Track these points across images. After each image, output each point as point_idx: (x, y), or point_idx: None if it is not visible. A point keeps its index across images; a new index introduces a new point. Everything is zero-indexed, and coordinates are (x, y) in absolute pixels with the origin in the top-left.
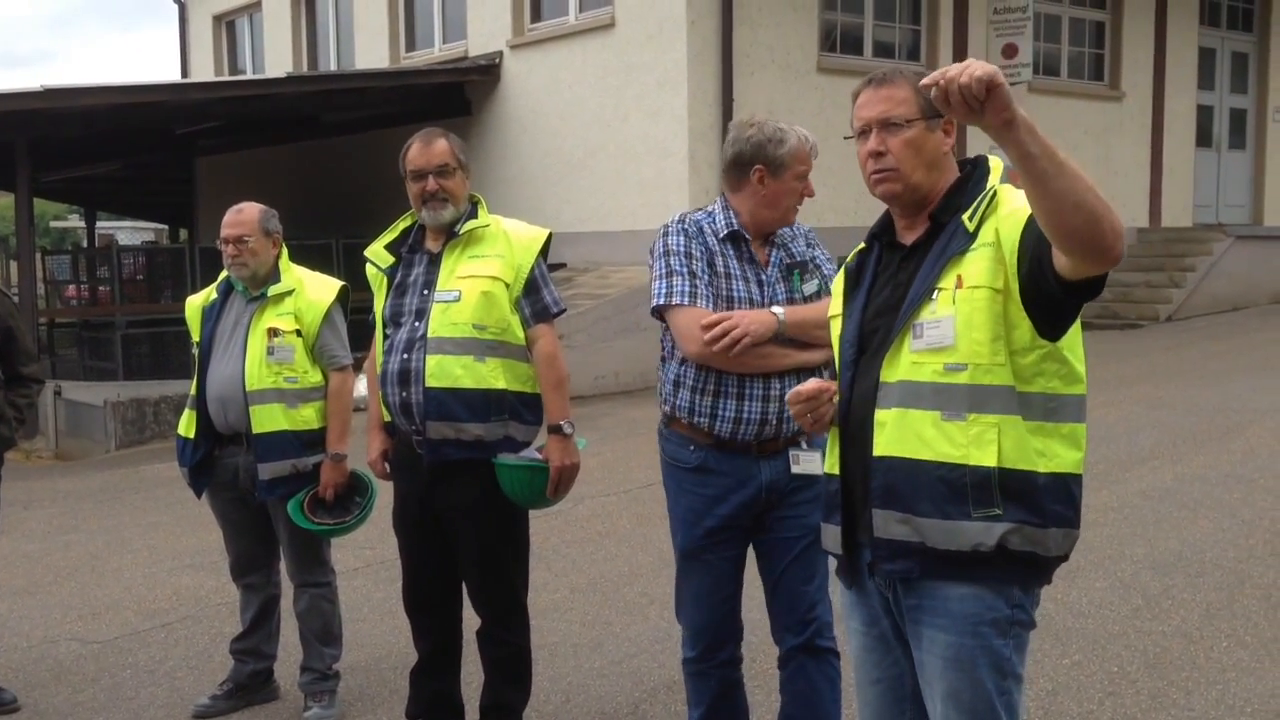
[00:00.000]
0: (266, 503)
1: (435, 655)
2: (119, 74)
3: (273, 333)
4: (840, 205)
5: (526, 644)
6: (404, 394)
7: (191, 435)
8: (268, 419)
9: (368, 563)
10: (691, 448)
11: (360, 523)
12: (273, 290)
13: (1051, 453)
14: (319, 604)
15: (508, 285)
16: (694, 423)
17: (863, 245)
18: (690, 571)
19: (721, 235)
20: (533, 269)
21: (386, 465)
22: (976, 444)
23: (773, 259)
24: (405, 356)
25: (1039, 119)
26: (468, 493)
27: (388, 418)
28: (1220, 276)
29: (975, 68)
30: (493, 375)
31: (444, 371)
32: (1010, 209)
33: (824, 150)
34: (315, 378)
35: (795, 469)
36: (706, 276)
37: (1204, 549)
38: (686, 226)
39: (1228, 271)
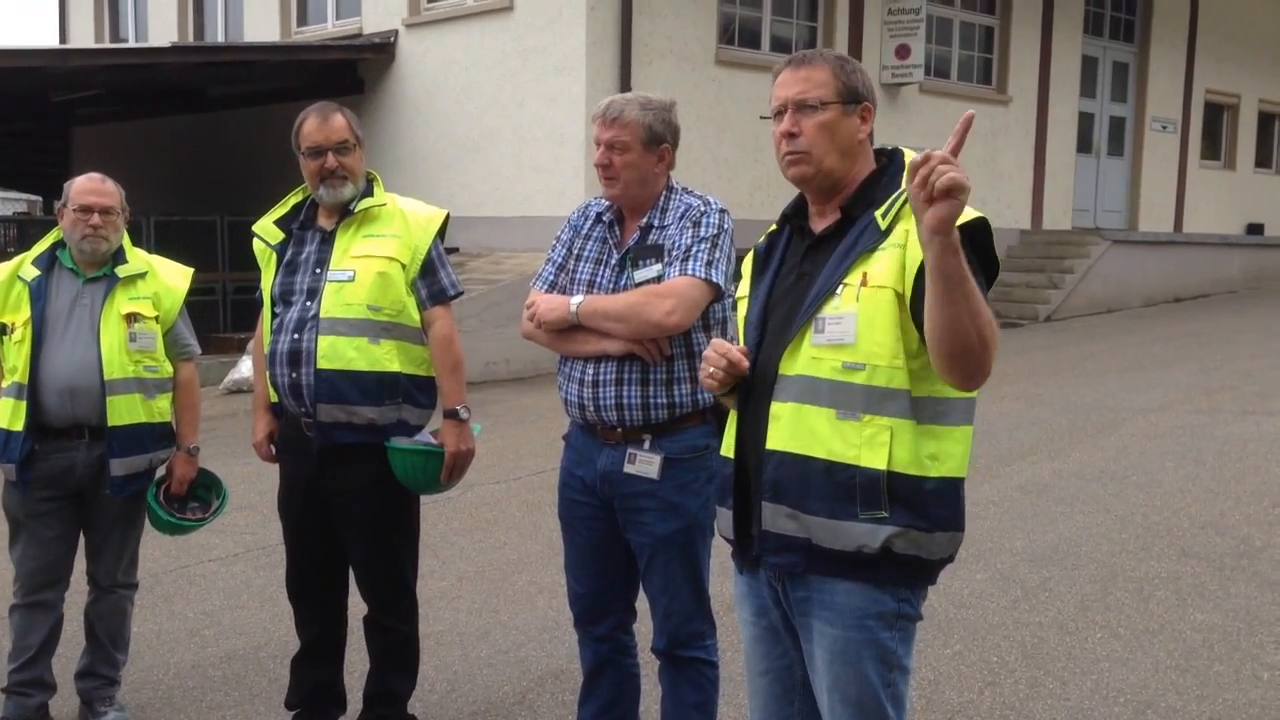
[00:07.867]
0: (94, 502)
1: (318, 643)
2: None
3: (133, 318)
4: (735, 198)
5: (414, 631)
6: (294, 375)
7: (20, 428)
8: (126, 410)
9: (248, 548)
10: (569, 421)
11: (215, 519)
12: (124, 271)
13: (944, 456)
14: (123, 605)
15: (404, 266)
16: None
17: (774, 226)
18: (564, 536)
19: (596, 217)
20: (430, 250)
21: (272, 448)
22: (869, 445)
23: (632, 241)
24: (296, 336)
25: (928, 120)
26: (358, 477)
27: (274, 398)
28: (1096, 279)
29: (956, 172)
30: (387, 358)
31: (336, 353)
32: None
33: (720, 141)
34: (170, 368)
35: (628, 468)
36: (566, 262)
37: (1079, 542)
38: (579, 213)
39: (1103, 274)
